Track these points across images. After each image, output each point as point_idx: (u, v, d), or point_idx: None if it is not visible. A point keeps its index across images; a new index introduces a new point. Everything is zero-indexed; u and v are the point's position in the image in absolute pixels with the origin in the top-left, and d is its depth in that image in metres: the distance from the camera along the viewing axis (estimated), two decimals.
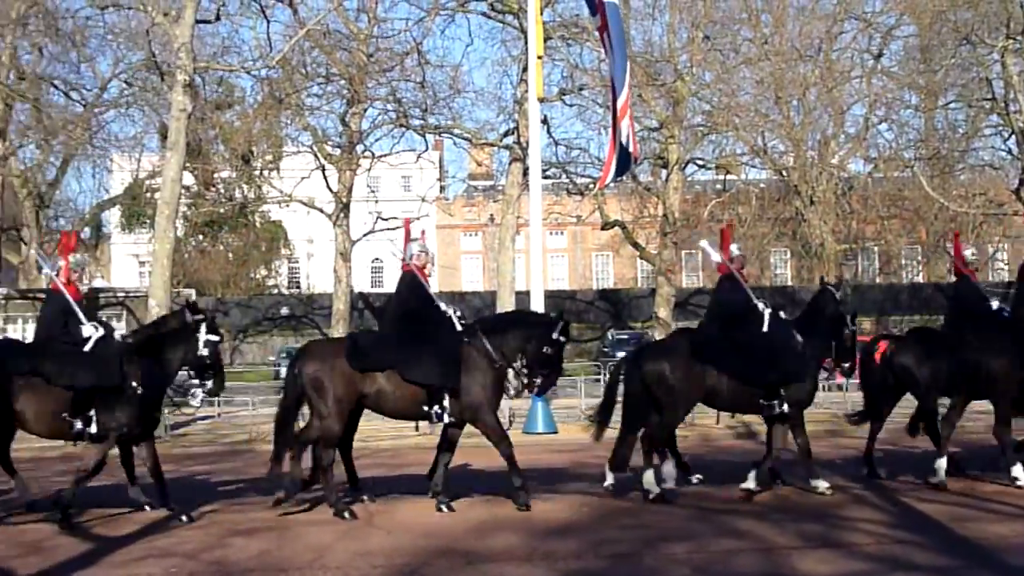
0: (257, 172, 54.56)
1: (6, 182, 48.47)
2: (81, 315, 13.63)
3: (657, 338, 45.99)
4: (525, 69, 31.48)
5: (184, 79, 27.28)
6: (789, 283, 70.54)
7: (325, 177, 47.78)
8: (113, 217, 75.16)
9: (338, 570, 10.39)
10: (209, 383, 14.00)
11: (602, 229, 56.41)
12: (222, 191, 57.83)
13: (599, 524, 12.59)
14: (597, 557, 10.87)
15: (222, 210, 60.56)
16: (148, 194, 59.44)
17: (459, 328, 13.79)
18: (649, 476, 13.92)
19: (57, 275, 13.94)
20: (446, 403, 13.39)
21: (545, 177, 34.17)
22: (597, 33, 27.02)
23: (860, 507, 13.36)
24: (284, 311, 59.17)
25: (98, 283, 72.91)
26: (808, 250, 62.84)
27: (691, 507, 13.48)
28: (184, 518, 13.02)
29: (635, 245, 55.00)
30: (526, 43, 29.25)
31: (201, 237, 68.74)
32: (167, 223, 26.95)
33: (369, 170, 49.88)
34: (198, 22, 30.73)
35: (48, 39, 44.71)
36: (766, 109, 50.21)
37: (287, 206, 57.96)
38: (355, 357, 13.41)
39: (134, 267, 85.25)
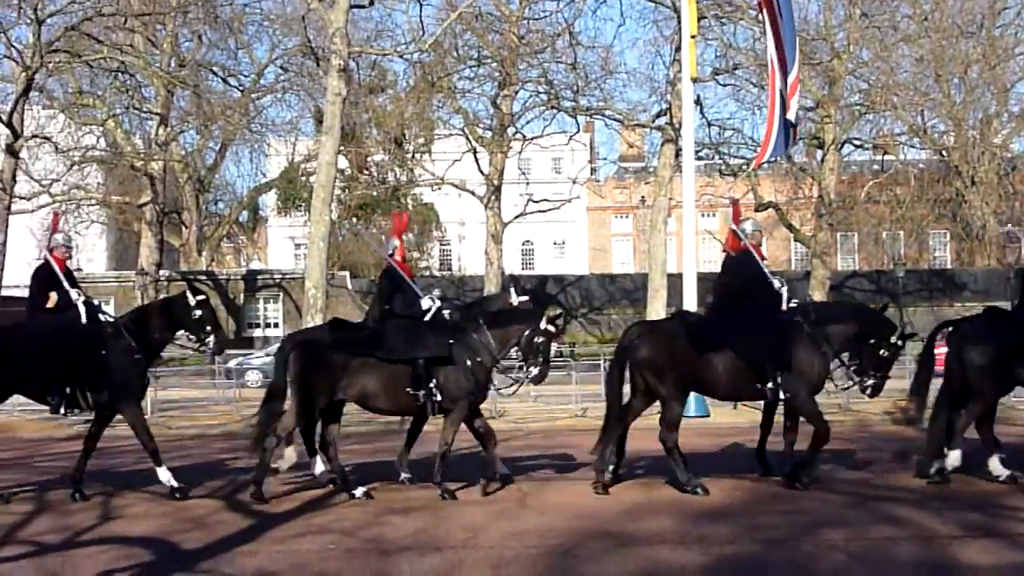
0: (409, 155, 55.19)
1: (168, 167, 49.82)
2: (417, 289, 14.21)
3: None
4: (678, 49, 31.20)
5: (339, 64, 27.64)
6: (948, 266, 68.78)
7: (476, 160, 48.15)
8: (269, 200, 76.80)
9: (491, 549, 10.43)
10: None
11: (755, 211, 55.51)
12: (375, 174, 58.61)
13: (753, 509, 12.41)
14: (752, 542, 10.71)
15: (375, 193, 61.35)
16: (303, 177, 60.67)
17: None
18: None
19: (392, 254, 14.43)
20: (779, 380, 13.27)
21: (698, 158, 33.81)
22: (755, 10, 26.60)
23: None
24: (436, 293, 59.65)
25: (255, 265, 74.66)
26: (968, 232, 61.25)
27: (848, 494, 13.21)
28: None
29: (789, 227, 54.24)
30: (679, 22, 28.94)
31: (355, 220, 69.68)
32: (323, 206, 27.35)
33: (520, 152, 50.12)
34: (352, 7, 31.09)
35: (207, 27, 45.81)
36: (926, 87, 48.94)
37: (439, 189, 58.58)
38: (696, 340, 13.46)
39: (290, 249, 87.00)
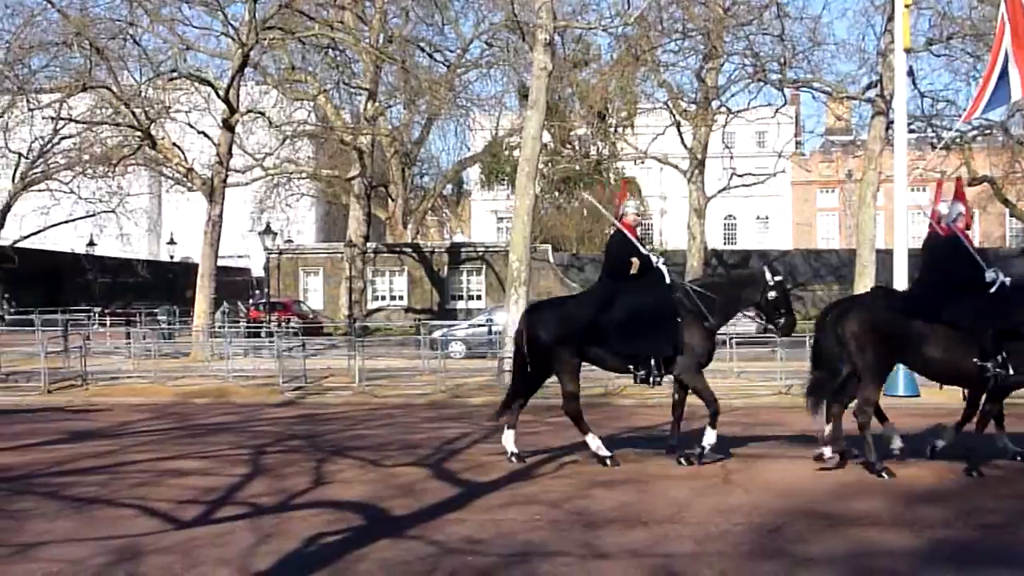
0: (612, 129, 55.07)
1: (376, 141, 50.85)
2: (980, 259, 13.68)
3: None
4: (890, 19, 30.29)
5: (544, 38, 27.71)
6: None
7: (680, 133, 47.81)
8: (473, 174, 77.69)
9: (698, 525, 10.39)
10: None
11: (969, 185, 53.82)
12: (578, 148, 58.66)
13: (968, 492, 12.06)
14: (967, 527, 10.40)
15: (577, 167, 61.43)
16: (507, 151, 61.19)
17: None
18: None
19: (956, 220, 13.89)
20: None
21: (909, 131, 32.83)
22: None
23: None
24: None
25: (459, 238, 75.71)
26: None
27: None
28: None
29: (1005, 202, 52.42)
30: None
31: (557, 193, 69.97)
32: (527, 180, 27.50)
33: (725, 126, 49.50)
34: None
35: (414, 2, 46.46)
36: None
37: (641, 163, 58.35)
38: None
39: (492, 222, 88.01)
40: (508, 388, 15.30)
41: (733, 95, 47.36)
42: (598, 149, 58.67)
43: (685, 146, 47.54)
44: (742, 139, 76.20)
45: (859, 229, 36.13)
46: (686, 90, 47.68)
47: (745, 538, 9.94)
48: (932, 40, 37.23)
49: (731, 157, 50.97)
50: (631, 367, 14.01)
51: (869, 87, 38.83)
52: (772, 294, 14.14)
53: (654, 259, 14.39)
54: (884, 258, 35.47)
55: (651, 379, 13.85)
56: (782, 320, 14.29)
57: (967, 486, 12.41)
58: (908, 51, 25.84)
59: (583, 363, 14.43)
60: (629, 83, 48.75)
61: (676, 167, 48.80)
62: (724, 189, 51.57)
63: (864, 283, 33.61)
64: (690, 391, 14.19)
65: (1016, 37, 22.17)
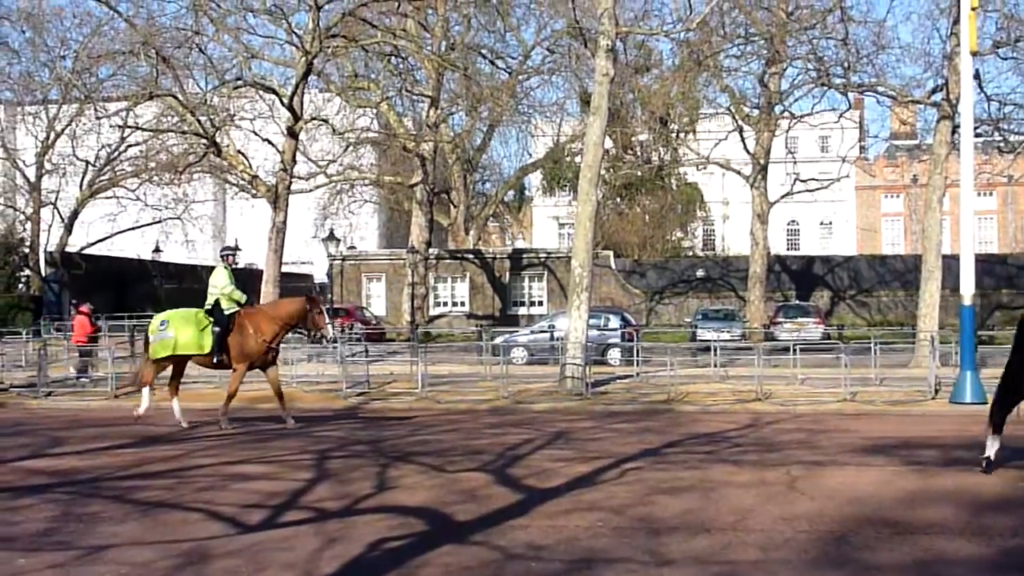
0: (674, 134, 54.93)
1: (438, 148, 51.03)
2: None
3: None
4: (956, 22, 29.99)
5: (607, 44, 27.68)
6: None
7: (743, 138, 47.58)
8: (534, 180, 77.74)
9: (761, 532, 10.33)
10: None
11: None
12: (640, 154, 58.53)
13: None
14: None
15: (639, 173, 61.31)
16: (568, 158, 61.17)
17: None
18: None
19: None
20: None
21: (976, 135, 32.44)
22: None
23: None
24: (700, 273, 59.15)
25: (520, 244, 75.78)
26: None
27: None
28: None
29: None
30: None
31: (619, 199, 69.84)
32: (589, 186, 27.47)
33: (788, 131, 49.24)
34: None
35: (476, 10, 46.60)
36: None
37: (704, 168, 58.10)
38: None
39: (554, 228, 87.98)
40: None
41: (796, 100, 47.12)
42: (660, 155, 58.47)
43: (748, 151, 47.27)
44: (805, 144, 75.72)
45: (925, 234, 35.73)
46: (748, 95, 47.52)
47: (810, 546, 9.87)
48: (999, 43, 36.76)
49: (794, 162, 50.65)
50: None
51: (934, 91, 38.40)
52: None
53: None
54: (950, 263, 35.12)
55: None
56: None
57: None
58: (974, 54, 25.52)
59: None
60: (691, 88, 48.61)
61: (739, 172, 48.54)
62: (787, 194, 51.23)
63: (930, 288, 33.28)
64: None
65: None
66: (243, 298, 19.68)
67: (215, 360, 19.40)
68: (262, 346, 19.32)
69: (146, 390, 20.00)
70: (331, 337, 21.89)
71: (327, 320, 20.17)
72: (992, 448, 13.52)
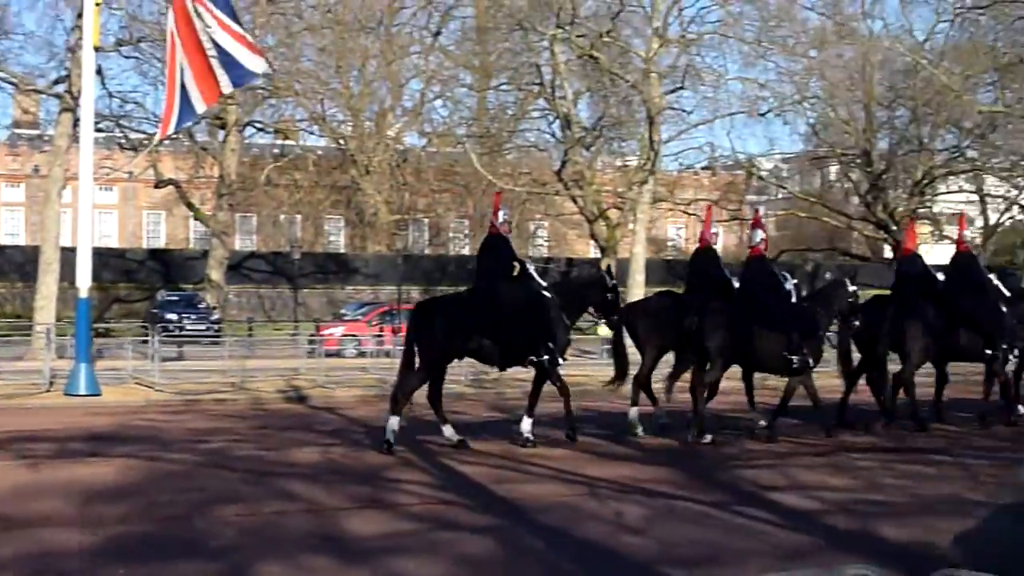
0: None
1: None
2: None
3: (208, 300, 45.54)
4: (80, 15, 30.04)
5: None
6: (342, 250, 71.10)
7: None
8: None
9: None
10: None
11: (155, 187, 55.17)
12: None
13: (150, 487, 12.29)
14: (148, 521, 10.63)
15: None
16: None
17: None
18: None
19: (759, 244, 16.82)
20: None
21: (98, 130, 32.72)
22: None
23: (408, 469, 13.76)
24: None
25: None
26: (362, 219, 63.81)
27: (245, 471, 13.39)
28: None
29: (189, 205, 54.15)
30: None
31: None
32: None
33: None
34: None
35: None
36: (327, 77, 50.74)
37: None
38: None
39: None
40: None
41: None
42: None
43: None
44: None
45: (44, 226, 35.48)
46: None
47: None
48: (122, 41, 37.53)
49: None
50: None
51: (57, 82, 38.10)
52: None
53: None
54: (70, 256, 35.11)
55: None
56: None
57: (147, 482, 12.65)
58: (97, 49, 25.79)
59: None
60: None
61: None
62: None
63: (48, 281, 33.11)
64: None
65: (188, 50, 22.89)
66: None
67: None
68: None
69: None
70: None
71: None
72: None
